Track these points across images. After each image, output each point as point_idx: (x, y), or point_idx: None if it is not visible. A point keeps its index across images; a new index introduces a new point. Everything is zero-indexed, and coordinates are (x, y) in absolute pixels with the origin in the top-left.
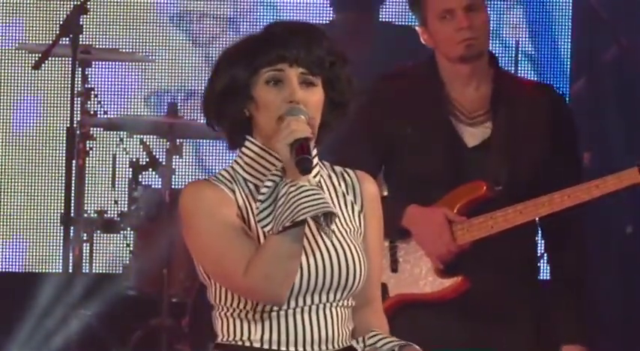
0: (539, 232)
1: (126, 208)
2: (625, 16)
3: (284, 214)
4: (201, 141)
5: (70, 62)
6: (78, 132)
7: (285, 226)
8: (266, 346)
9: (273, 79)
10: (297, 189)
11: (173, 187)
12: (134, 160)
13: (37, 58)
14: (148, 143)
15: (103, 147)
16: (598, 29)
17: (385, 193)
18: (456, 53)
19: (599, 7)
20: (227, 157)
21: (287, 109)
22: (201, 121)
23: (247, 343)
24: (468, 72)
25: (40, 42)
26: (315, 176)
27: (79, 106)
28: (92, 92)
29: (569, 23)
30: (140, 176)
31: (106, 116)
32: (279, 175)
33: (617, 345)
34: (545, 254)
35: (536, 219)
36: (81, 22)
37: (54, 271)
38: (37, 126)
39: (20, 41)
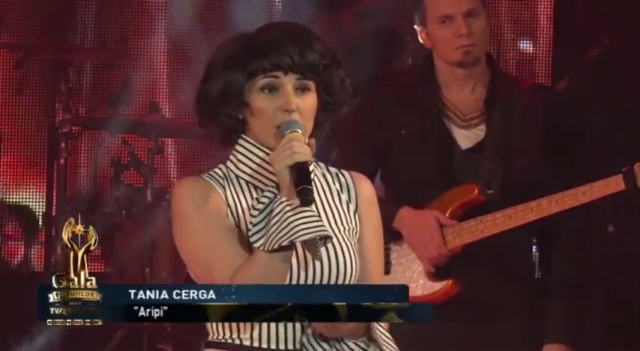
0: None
1: (107, 207)
2: (607, 14)
3: (279, 233)
4: (182, 140)
5: (51, 61)
6: (59, 131)
7: (282, 246)
8: (256, 344)
9: (268, 86)
10: (292, 209)
11: (154, 186)
12: (116, 159)
13: (18, 57)
14: (129, 142)
15: (84, 146)
16: (580, 28)
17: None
18: (454, 58)
19: (581, 5)
20: (209, 156)
21: (285, 123)
22: (183, 119)
23: (237, 341)
24: (464, 75)
25: (22, 41)
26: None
27: (60, 105)
28: (74, 91)
29: (552, 22)
30: (122, 175)
31: (87, 115)
32: (274, 192)
33: (598, 344)
34: (538, 254)
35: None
36: (62, 22)
37: (35, 270)
38: (18, 125)
39: (1, 40)
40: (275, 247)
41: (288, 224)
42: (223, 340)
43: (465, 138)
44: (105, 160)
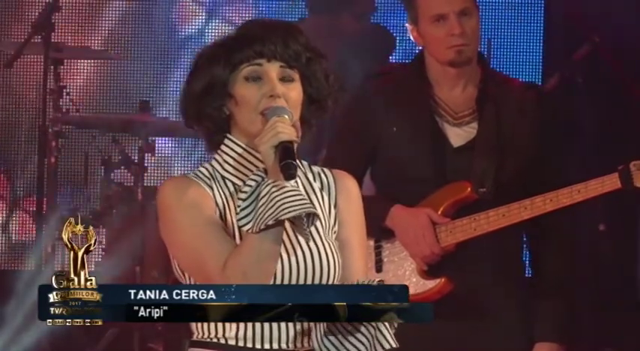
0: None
1: (98, 206)
2: (597, 13)
3: (266, 212)
4: (172, 139)
5: (42, 60)
6: (50, 130)
7: (268, 225)
8: (241, 344)
9: (252, 74)
10: (279, 189)
11: (145, 184)
12: (106, 157)
13: (8, 56)
14: (120, 141)
15: (75, 145)
16: (570, 27)
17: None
18: (446, 58)
19: (571, 4)
20: (199, 155)
21: (271, 109)
22: (173, 118)
23: (222, 341)
24: (456, 74)
25: (12, 40)
26: None
27: (51, 104)
28: (64, 90)
29: (542, 21)
30: (112, 174)
31: (78, 114)
32: (261, 175)
33: (588, 343)
34: (528, 253)
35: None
36: (53, 21)
37: (26, 268)
38: (8, 124)
39: None
40: (262, 227)
41: (275, 203)
42: (208, 340)
43: (457, 136)
44: (95, 159)
